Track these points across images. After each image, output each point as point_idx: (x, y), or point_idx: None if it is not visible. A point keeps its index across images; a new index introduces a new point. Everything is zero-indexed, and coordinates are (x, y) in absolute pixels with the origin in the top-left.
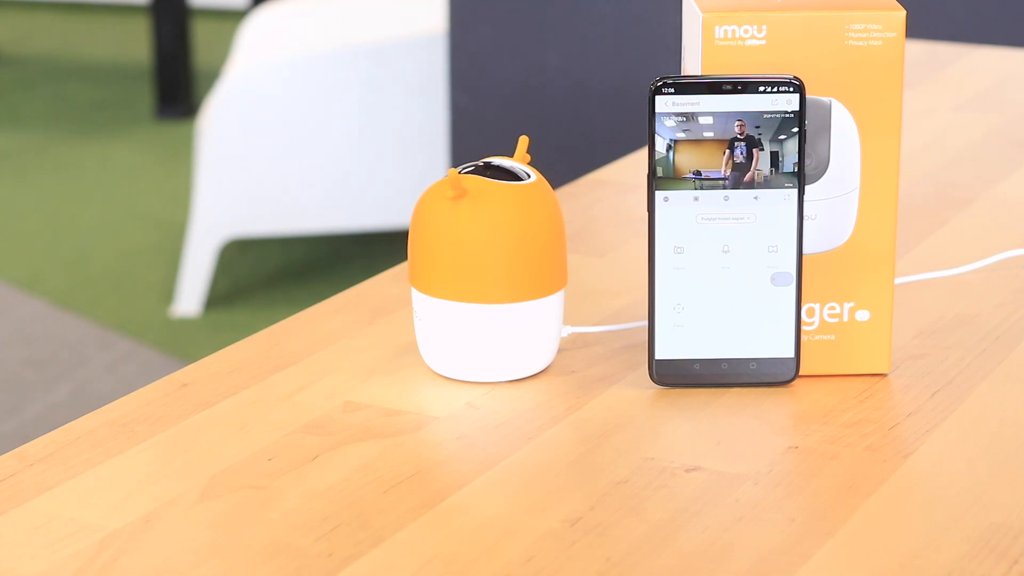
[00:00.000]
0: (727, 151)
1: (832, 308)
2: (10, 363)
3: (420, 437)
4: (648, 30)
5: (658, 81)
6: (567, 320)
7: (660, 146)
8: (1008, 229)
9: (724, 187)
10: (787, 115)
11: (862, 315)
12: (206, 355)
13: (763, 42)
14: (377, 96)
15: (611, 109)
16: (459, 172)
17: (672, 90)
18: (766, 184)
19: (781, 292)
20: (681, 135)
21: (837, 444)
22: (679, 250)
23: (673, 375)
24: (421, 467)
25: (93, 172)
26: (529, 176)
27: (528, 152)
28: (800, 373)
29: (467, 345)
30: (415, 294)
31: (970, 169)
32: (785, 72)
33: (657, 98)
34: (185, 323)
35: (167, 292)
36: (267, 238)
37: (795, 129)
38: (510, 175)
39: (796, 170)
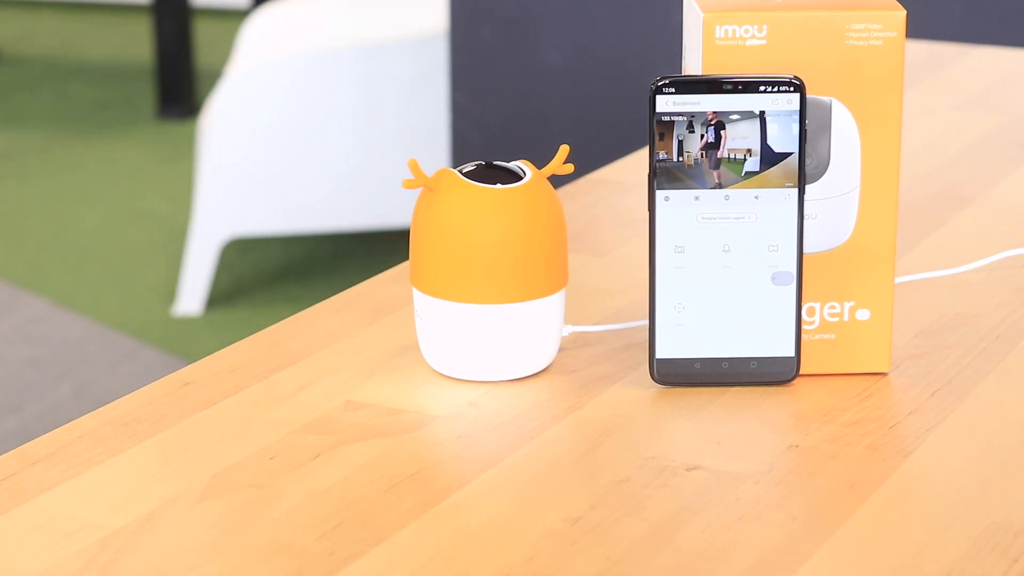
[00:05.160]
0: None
1: (832, 307)
2: (12, 362)
3: (421, 436)
4: (649, 30)
5: (659, 81)
6: (568, 319)
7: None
8: (1008, 229)
9: (667, 168)
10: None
11: (862, 314)
12: (208, 354)
13: (763, 42)
14: (377, 96)
15: (611, 109)
16: (460, 171)
17: (673, 90)
18: (697, 168)
19: (781, 291)
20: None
21: (837, 443)
22: (680, 249)
23: (674, 374)
24: (422, 466)
25: (95, 172)
26: (528, 175)
27: (532, 153)
28: (800, 372)
29: (468, 344)
30: (416, 294)
31: (970, 169)
32: (785, 72)
33: (658, 98)
34: (187, 322)
35: (169, 291)
36: (268, 237)
37: (735, 117)
38: (511, 175)
39: (731, 156)
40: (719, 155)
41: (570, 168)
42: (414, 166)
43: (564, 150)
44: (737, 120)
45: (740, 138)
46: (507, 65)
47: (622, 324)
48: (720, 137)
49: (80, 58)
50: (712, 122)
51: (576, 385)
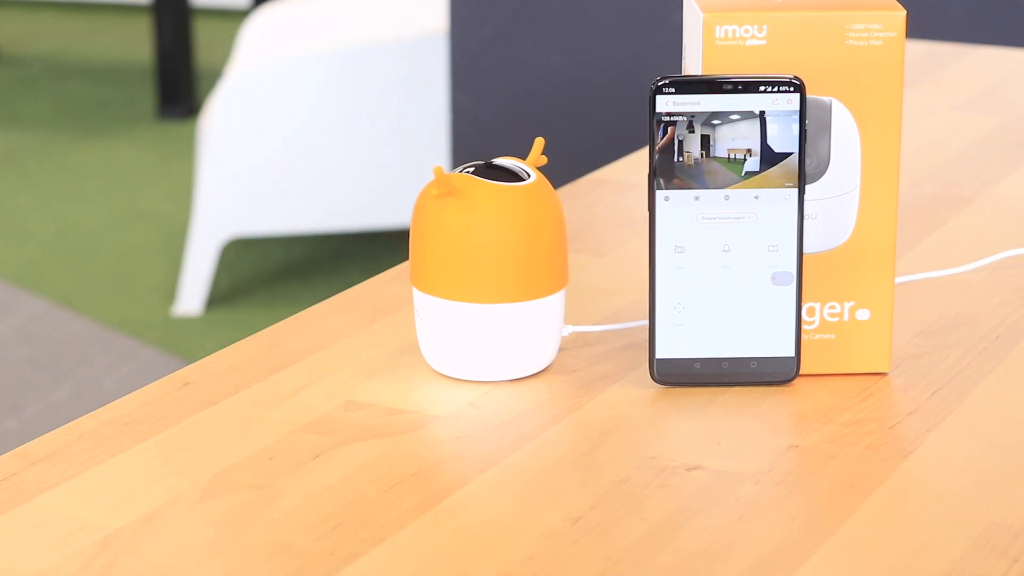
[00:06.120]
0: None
1: (832, 307)
2: (12, 362)
3: (421, 436)
4: (648, 30)
5: (659, 81)
6: (568, 319)
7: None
8: (1008, 229)
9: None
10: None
11: (862, 314)
12: (208, 354)
13: (763, 42)
14: (377, 96)
15: (611, 109)
16: (460, 172)
17: (673, 90)
18: (697, 167)
19: (781, 291)
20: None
21: (837, 443)
22: (680, 249)
23: (674, 374)
24: (422, 466)
25: (95, 172)
26: (530, 176)
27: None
28: (800, 372)
29: (468, 344)
30: (416, 293)
31: (970, 169)
32: (785, 72)
33: (658, 98)
34: (187, 322)
35: (169, 291)
36: (268, 237)
37: (734, 117)
38: (511, 175)
39: (731, 155)
40: (677, 158)
41: (544, 160)
42: (439, 173)
43: (539, 143)
44: (737, 120)
45: (740, 138)
46: (507, 65)
47: (622, 324)
48: (668, 134)
49: (80, 58)
50: (670, 121)
51: (576, 385)
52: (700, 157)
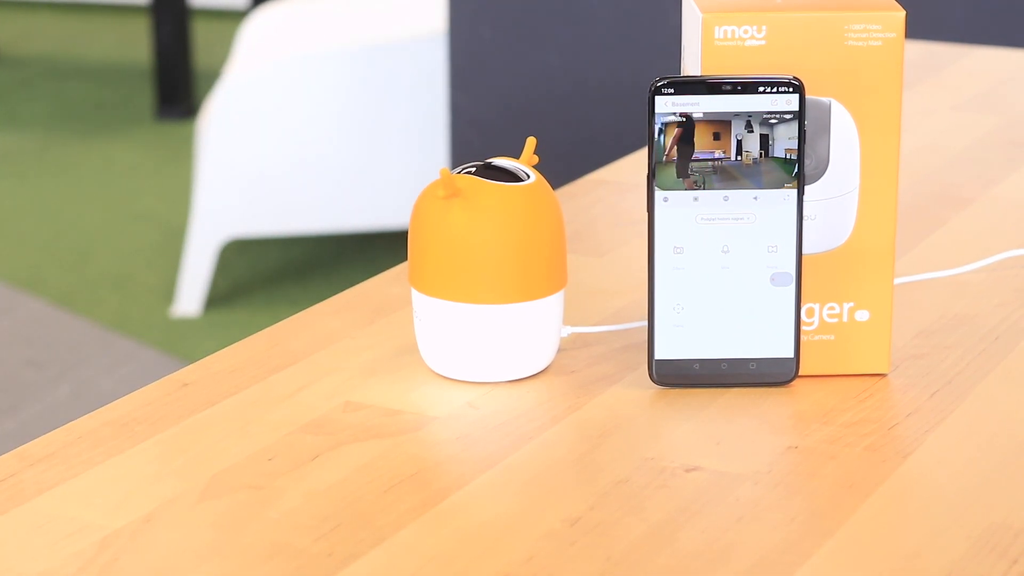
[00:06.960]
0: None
1: (832, 308)
2: (11, 363)
3: (420, 437)
4: (648, 30)
5: (658, 81)
6: (567, 320)
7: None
8: (1008, 229)
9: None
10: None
11: (862, 315)
12: (206, 355)
13: (763, 42)
14: (377, 96)
15: (611, 109)
16: (459, 172)
17: (672, 90)
18: (756, 167)
19: (781, 292)
20: (671, 118)
21: (837, 444)
22: (679, 250)
23: (673, 375)
24: (421, 467)
25: (93, 172)
26: (529, 176)
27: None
28: (800, 373)
29: (467, 345)
30: (415, 294)
31: (970, 169)
32: (785, 72)
33: (657, 98)
34: (185, 323)
35: (167, 292)
36: (267, 238)
37: (781, 118)
38: (510, 176)
39: (787, 156)
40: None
41: (536, 158)
42: (445, 174)
43: (531, 142)
44: (788, 120)
45: (786, 139)
46: (507, 65)
47: (621, 325)
48: (692, 135)
49: (79, 58)
50: (683, 121)
51: (575, 386)
52: (759, 156)
